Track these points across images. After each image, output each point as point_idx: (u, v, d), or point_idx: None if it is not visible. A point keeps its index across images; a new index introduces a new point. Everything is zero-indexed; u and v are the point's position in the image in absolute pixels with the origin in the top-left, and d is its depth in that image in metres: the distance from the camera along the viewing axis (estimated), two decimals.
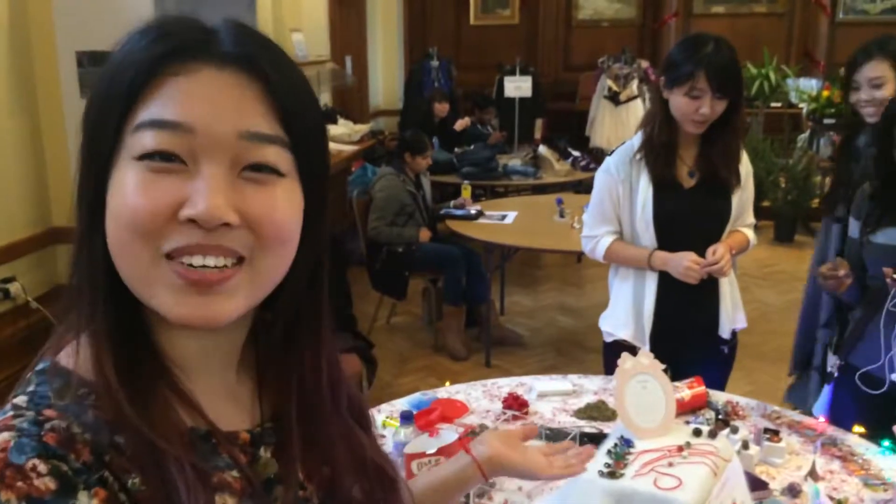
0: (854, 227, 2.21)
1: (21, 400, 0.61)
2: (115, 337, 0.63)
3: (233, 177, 0.62)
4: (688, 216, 2.22)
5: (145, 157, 0.60)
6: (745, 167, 2.28)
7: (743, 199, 2.29)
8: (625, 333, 2.32)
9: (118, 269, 0.62)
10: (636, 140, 2.27)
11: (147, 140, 0.60)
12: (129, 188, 0.60)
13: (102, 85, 0.63)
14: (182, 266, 0.61)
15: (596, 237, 2.34)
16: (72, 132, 3.33)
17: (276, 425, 0.72)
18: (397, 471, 0.86)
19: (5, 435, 0.56)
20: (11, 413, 0.59)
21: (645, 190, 2.22)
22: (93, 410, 0.60)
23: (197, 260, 0.61)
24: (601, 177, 2.31)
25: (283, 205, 0.64)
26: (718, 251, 2.17)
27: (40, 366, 0.65)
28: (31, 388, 0.62)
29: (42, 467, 0.55)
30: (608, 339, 2.40)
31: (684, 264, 2.17)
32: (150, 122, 0.60)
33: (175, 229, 0.60)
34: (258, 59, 0.63)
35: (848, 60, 2.48)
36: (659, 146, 2.19)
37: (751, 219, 2.36)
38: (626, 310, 2.33)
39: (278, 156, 0.64)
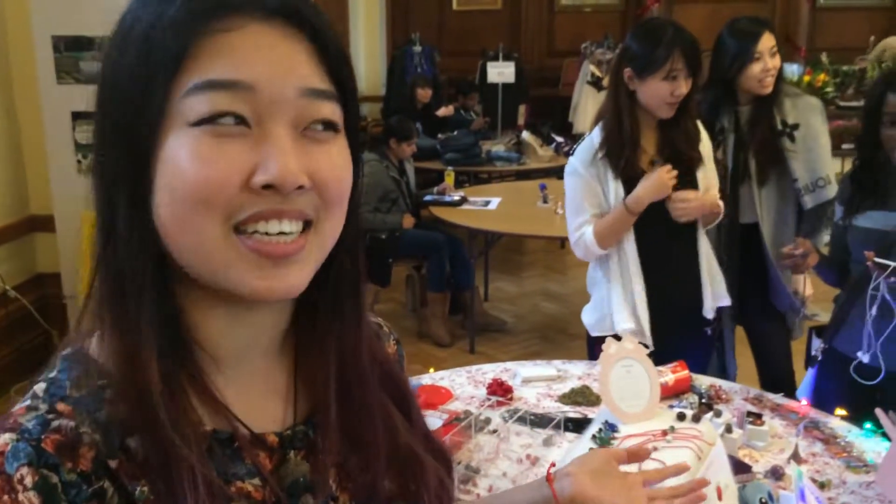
0: (839, 211, 2.21)
1: (40, 388, 0.59)
2: (161, 331, 0.59)
3: (296, 136, 0.58)
4: (659, 205, 2.19)
5: (205, 121, 0.55)
6: (707, 145, 2.30)
7: (708, 176, 2.30)
8: (625, 327, 2.29)
9: (177, 247, 0.58)
10: (595, 136, 2.24)
11: (203, 104, 0.55)
12: (187, 158, 0.55)
13: (129, 56, 0.57)
14: (255, 239, 0.57)
15: (580, 233, 2.29)
16: (48, 118, 3.28)
17: (312, 423, 0.67)
18: (445, 453, 0.79)
19: (6, 437, 0.54)
20: (27, 404, 0.57)
21: (614, 186, 2.21)
22: (107, 406, 0.57)
23: (273, 226, 0.57)
24: (571, 179, 2.29)
25: (343, 162, 0.62)
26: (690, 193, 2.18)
27: (67, 350, 0.62)
28: (52, 374, 0.60)
29: (29, 479, 0.52)
30: (592, 333, 2.39)
31: (657, 178, 2.14)
32: (206, 84, 0.55)
33: (247, 198, 0.56)
34: (303, 11, 0.59)
35: (739, 40, 2.51)
36: (626, 140, 2.17)
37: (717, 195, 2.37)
38: (618, 301, 2.29)
39: (334, 111, 0.61)
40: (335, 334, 0.68)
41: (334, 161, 0.61)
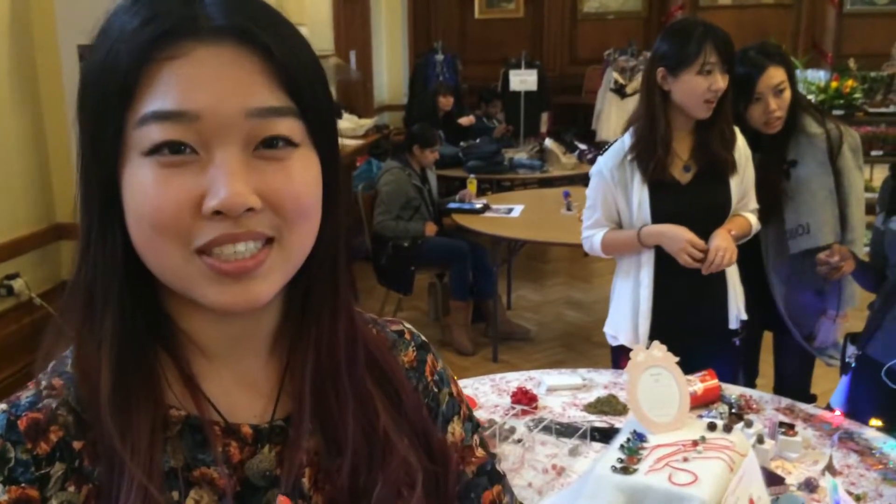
0: (880, 217, 2.17)
1: (58, 360, 0.65)
2: (121, 339, 0.62)
3: (247, 157, 0.59)
4: (687, 214, 2.15)
5: (154, 151, 0.58)
6: (744, 151, 2.23)
7: (744, 183, 2.24)
8: (624, 338, 2.27)
9: (149, 265, 0.61)
10: (627, 139, 2.20)
11: (153, 134, 0.57)
12: (144, 187, 0.58)
13: (93, 75, 0.60)
14: (215, 259, 0.59)
15: (591, 234, 2.31)
16: (75, 127, 3.31)
17: (290, 420, 0.68)
18: (444, 453, 0.76)
19: (2, 406, 0.61)
20: (40, 376, 0.64)
21: (640, 191, 2.17)
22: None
23: (228, 249, 0.59)
24: (595, 180, 2.27)
25: (301, 176, 0.62)
26: (715, 241, 2.12)
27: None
28: (67, 352, 0.65)
29: None
30: (613, 343, 2.36)
31: (680, 245, 2.11)
32: (152, 115, 0.57)
33: (202, 224, 0.58)
34: (253, 29, 0.59)
35: (742, 75, 2.27)
36: (659, 142, 2.12)
37: (753, 203, 2.31)
38: (625, 313, 2.28)
39: (290, 126, 0.61)
40: (312, 336, 0.69)
41: (292, 176, 0.61)
